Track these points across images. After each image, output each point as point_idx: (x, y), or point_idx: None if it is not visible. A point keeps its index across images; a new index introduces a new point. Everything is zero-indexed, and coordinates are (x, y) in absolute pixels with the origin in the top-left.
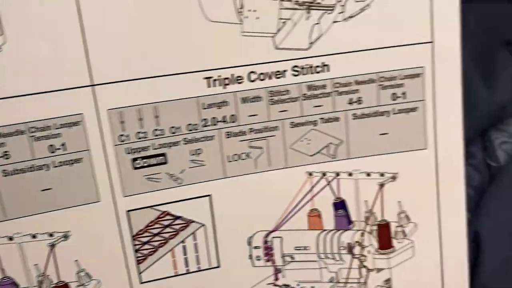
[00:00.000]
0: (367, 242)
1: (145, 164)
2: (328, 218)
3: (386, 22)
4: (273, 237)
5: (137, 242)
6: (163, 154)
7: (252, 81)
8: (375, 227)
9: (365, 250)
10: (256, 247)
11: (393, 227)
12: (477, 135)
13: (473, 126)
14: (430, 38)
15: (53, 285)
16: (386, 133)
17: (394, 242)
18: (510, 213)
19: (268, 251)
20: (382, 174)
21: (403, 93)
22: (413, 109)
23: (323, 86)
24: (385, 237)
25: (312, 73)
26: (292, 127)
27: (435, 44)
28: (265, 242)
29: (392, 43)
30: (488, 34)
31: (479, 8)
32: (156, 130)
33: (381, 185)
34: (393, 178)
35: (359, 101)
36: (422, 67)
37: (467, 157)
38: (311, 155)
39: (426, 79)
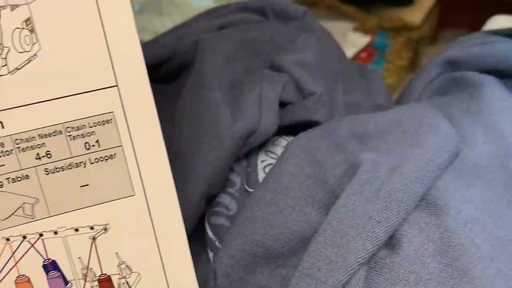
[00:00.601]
0: None
1: None
2: (42, 282)
3: (61, 70)
4: None
5: None
6: None
7: None
8: (96, 283)
9: None
10: None
11: (116, 280)
12: (228, 164)
13: (226, 156)
14: (114, 82)
15: None
16: (87, 185)
17: None
18: (247, 243)
19: None
20: (92, 228)
21: (97, 141)
22: (111, 156)
23: (1, 145)
24: None
25: None
26: None
27: (120, 88)
28: None
29: (73, 91)
30: (255, 57)
31: (244, 30)
32: None
33: (94, 239)
34: (105, 229)
35: (48, 155)
36: (111, 112)
37: (226, 186)
38: (4, 219)
39: (119, 124)
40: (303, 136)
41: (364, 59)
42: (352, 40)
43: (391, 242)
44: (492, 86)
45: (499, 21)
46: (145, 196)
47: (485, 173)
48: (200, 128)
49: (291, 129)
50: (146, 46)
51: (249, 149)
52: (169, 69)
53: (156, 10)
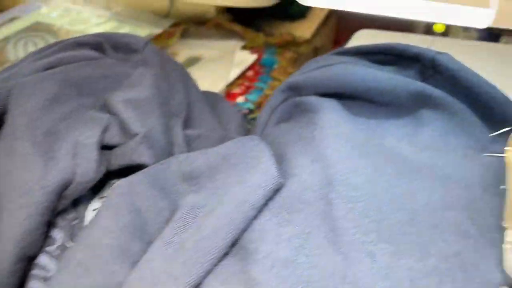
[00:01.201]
0: None
1: None
2: None
3: None
4: None
5: None
6: None
7: None
8: None
9: None
10: None
11: None
12: (43, 221)
13: (38, 213)
14: None
15: None
16: None
17: None
18: None
19: None
20: None
21: None
22: None
23: None
24: None
25: None
26: None
27: None
28: None
29: None
30: (86, 97)
31: (72, 69)
32: None
33: None
34: None
35: None
36: None
37: (45, 245)
38: None
39: None
40: (123, 182)
41: (250, 77)
42: (240, 59)
43: None
44: (329, 111)
45: (362, 36)
46: None
47: (306, 206)
48: (9, 184)
49: (131, 170)
50: None
51: (75, 199)
52: None
53: (32, 39)
